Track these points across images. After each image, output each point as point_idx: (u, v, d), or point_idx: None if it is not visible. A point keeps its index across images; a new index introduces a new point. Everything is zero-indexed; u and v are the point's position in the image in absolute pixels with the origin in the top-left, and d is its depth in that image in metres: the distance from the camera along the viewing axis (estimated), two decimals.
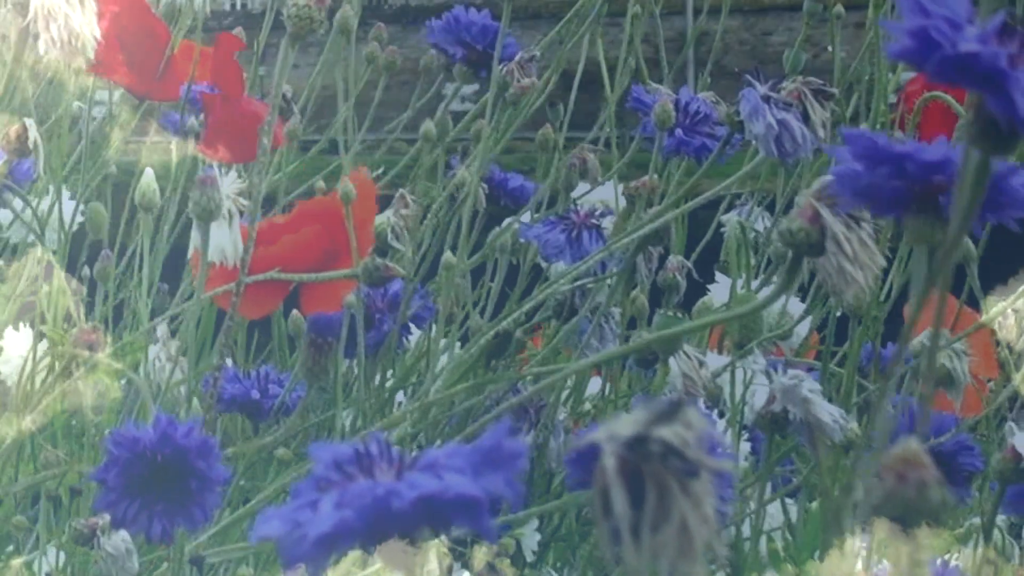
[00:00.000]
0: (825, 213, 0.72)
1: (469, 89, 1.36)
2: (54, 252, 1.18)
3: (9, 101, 0.97)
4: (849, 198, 0.60)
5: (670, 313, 1.00)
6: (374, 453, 0.49)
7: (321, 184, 1.43)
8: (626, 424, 0.43)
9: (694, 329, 0.97)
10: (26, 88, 1.27)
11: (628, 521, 0.42)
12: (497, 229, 1.23)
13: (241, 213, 0.86)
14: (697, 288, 1.23)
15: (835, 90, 0.82)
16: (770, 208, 1.37)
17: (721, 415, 1.09)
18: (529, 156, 1.44)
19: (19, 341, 1.31)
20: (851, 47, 1.43)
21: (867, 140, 0.59)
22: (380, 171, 1.46)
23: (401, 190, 1.10)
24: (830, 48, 1.26)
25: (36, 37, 0.90)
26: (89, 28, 0.90)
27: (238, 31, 1.46)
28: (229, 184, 0.82)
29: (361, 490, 0.47)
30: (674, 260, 1.15)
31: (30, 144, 0.84)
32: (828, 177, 0.72)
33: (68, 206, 1.30)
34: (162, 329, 1.13)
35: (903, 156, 0.58)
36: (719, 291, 1.30)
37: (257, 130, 1.25)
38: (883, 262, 0.73)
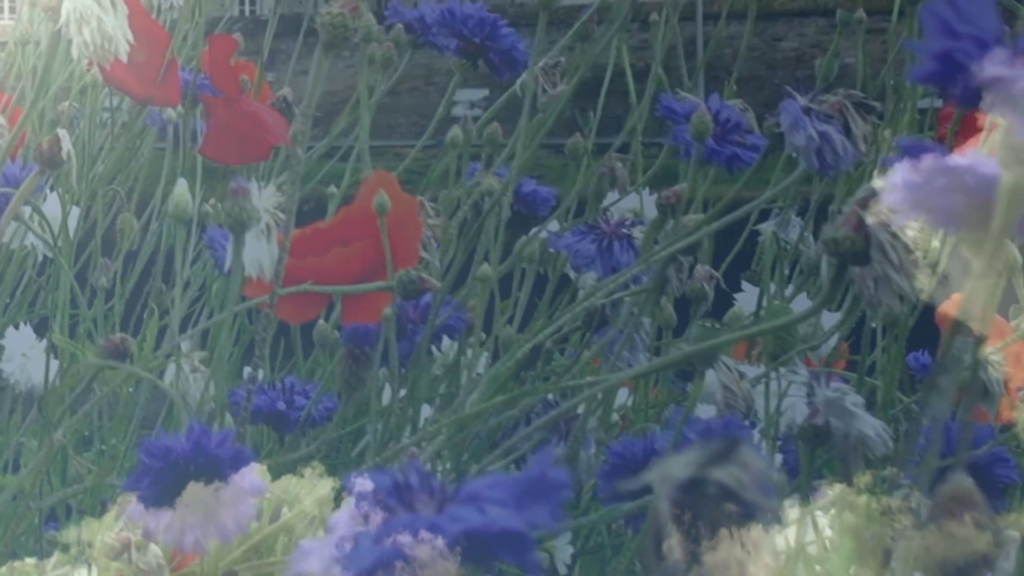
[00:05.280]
0: (870, 221, 0.70)
1: (478, 95, 1.34)
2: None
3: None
4: (906, 210, 0.59)
5: (706, 324, 0.99)
6: (414, 484, 0.48)
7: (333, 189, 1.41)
8: (680, 465, 0.41)
9: (734, 340, 0.96)
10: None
11: (684, 567, 0.41)
12: (524, 238, 1.22)
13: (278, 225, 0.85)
14: (724, 297, 1.21)
15: (877, 104, 0.81)
16: (802, 215, 1.36)
17: (752, 426, 1.08)
18: (538, 164, 1.43)
19: (20, 339, 1.30)
20: (864, 53, 1.42)
21: (926, 151, 0.57)
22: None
23: (420, 198, 1.09)
24: (855, 55, 1.26)
25: (69, 41, 0.89)
26: (122, 31, 0.89)
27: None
28: (267, 197, 0.81)
29: (403, 525, 0.46)
30: (702, 270, 1.14)
31: (63, 155, 0.83)
32: (872, 185, 0.71)
33: (72, 212, 1.29)
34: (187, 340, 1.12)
35: (963, 169, 0.57)
36: (745, 300, 1.30)
37: (258, 131, 1.25)
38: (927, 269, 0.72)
